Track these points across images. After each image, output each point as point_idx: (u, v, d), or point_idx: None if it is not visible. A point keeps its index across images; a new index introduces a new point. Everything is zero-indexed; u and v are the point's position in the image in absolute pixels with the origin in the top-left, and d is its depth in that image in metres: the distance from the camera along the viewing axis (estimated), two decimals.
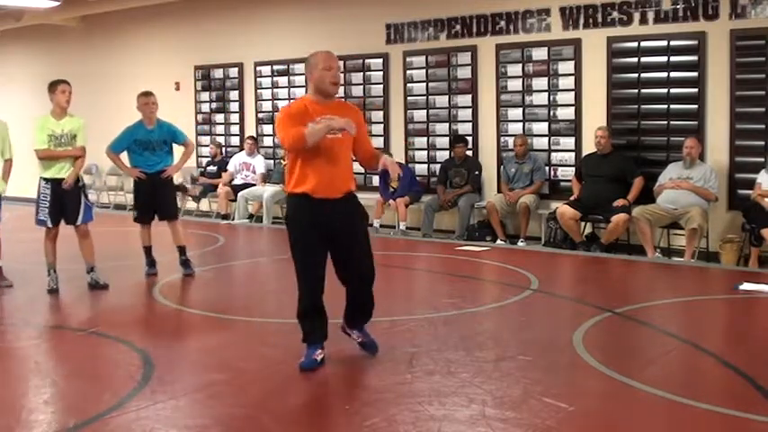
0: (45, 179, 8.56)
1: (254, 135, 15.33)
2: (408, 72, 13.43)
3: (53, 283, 8.59)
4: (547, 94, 12.06)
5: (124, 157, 9.51)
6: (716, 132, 10.62)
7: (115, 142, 9.40)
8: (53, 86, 8.54)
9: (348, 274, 5.78)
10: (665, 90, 10.99)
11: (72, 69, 15.68)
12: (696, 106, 10.75)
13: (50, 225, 8.55)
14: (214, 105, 16.25)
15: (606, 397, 4.63)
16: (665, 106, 11.00)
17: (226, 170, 15.01)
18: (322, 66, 5.58)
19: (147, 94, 9.48)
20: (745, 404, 4.96)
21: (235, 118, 15.97)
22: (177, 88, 16.39)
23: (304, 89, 14.46)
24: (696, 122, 10.75)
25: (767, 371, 5.65)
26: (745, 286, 8.22)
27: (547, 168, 12.08)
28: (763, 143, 10.26)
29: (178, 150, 9.68)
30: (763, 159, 10.14)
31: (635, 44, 11.19)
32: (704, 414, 4.67)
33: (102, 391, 5.39)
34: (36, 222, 8.63)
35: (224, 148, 15.83)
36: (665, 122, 11.02)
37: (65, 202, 8.53)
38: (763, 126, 10.29)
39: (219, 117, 16.17)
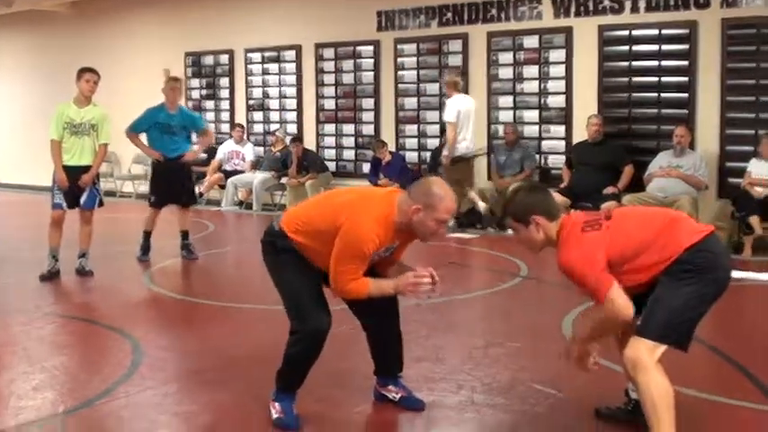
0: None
1: (243, 123, 15.31)
2: (399, 59, 13.41)
3: (49, 267, 8.54)
4: (538, 82, 12.06)
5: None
6: (706, 121, 10.64)
7: (135, 123, 9.54)
8: (80, 73, 8.62)
9: (365, 305, 4.59)
10: (655, 78, 11.00)
11: (62, 56, 15.66)
12: (687, 95, 10.77)
13: (66, 208, 8.58)
14: (204, 92, 16.19)
15: (595, 382, 4.64)
16: (656, 95, 11.02)
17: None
18: (440, 217, 4.30)
19: (176, 79, 9.90)
20: (734, 391, 4.99)
21: (225, 105, 15.92)
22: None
23: (295, 77, 14.48)
24: (686, 111, 10.78)
25: (756, 358, 5.69)
26: (734, 274, 8.22)
27: (537, 156, 12.09)
28: (753, 132, 10.28)
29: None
30: (753, 148, 10.17)
31: (626, 32, 11.19)
32: (693, 400, 4.68)
33: (92, 378, 5.39)
34: (52, 207, 8.61)
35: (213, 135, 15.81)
36: (656, 111, 11.04)
37: (73, 187, 8.55)
38: (754, 115, 10.32)
39: (210, 104, 16.11)
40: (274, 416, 4.52)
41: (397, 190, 4.60)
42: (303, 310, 4.45)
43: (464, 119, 11.32)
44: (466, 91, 12.55)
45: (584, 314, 6.53)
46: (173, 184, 9.57)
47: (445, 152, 11.53)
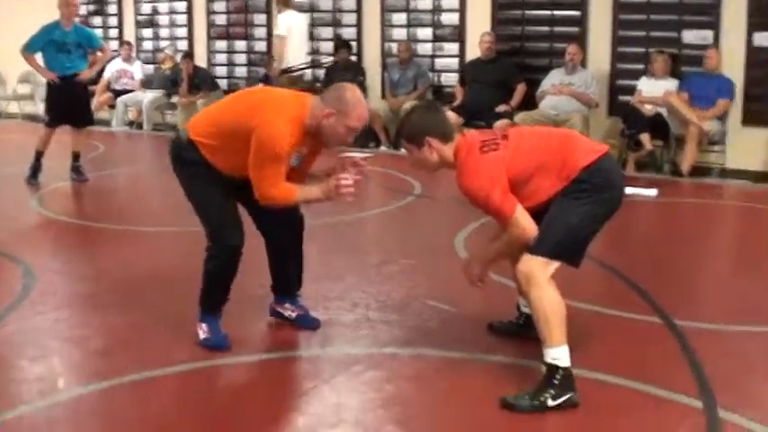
0: None
1: (131, 40, 14.91)
2: None
3: None
4: None
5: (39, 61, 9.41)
6: (598, 39, 10.74)
7: (30, 42, 9.27)
8: None
9: (270, 220, 4.60)
10: None
11: None
12: (579, 13, 10.84)
13: None
14: (91, 8, 15.65)
15: (488, 298, 4.72)
16: (549, 12, 11.07)
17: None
18: (351, 124, 4.24)
19: None
20: (624, 304, 5.16)
21: (113, 21, 15.45)
22: None
23: None
24: (579, 29, 10.86)
25: (644, 272, 5.87)
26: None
27: (431, 74, 12.08)
28: (644, 50, 10.41)
29: None
30: (643, 66, 10.33)
31: None
32: (585, 314, 4.81)
33: None
34: None
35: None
36: (549, 29, 11.10)
37: None
38: (644, 33, 10.44)
39: (97, 20, 15.60)
40: (201, 336, 4.50)
41: (309, 94, 4.53)
42: (215, 226, 4.42)
43: (296, 34, 11.35)
44: (359, 7, 12.46)
45: (479, 232, 6.63)
46: (70, 103, 9.33)
47: (275, 65, 11.66)
